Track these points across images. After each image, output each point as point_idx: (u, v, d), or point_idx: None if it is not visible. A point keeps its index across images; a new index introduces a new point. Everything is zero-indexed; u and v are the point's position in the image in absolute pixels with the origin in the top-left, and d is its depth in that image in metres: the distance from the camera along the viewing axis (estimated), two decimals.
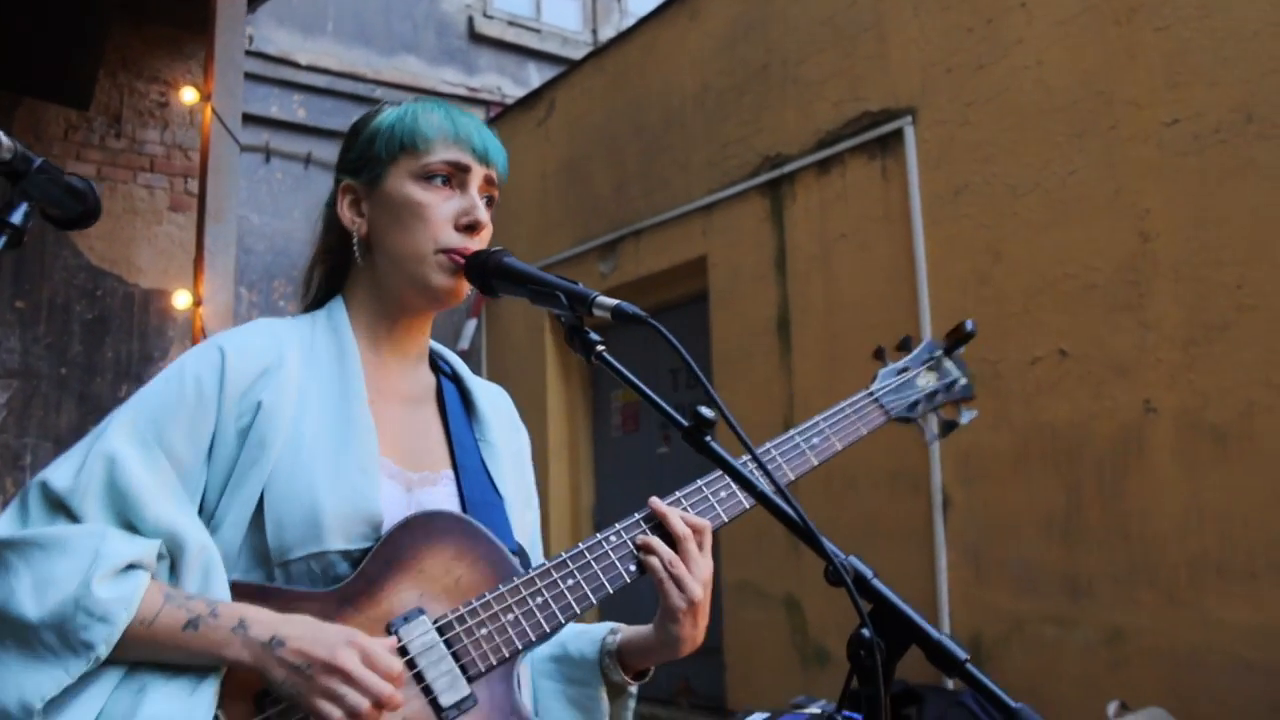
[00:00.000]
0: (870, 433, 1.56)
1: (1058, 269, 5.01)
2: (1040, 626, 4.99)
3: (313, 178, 8.42)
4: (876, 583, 0.97)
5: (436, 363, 1.48)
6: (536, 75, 9.87)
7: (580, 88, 8.40)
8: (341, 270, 1.42)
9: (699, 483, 1.39)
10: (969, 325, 1.64)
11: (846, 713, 1.01)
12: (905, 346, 1.66)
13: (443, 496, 1.32)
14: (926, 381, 1.64)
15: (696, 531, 1.34)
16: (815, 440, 1.51)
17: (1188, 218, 4.55)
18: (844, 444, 1.54)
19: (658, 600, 1.31)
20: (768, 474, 1.06)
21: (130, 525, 1.15)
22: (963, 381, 1.67)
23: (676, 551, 1.31)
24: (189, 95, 3.30)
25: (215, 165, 3.11)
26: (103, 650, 1.07)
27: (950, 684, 5.31)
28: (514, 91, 9.60)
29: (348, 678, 1.07)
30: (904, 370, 1.63)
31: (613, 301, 1.17)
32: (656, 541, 1.30)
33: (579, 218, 8.23)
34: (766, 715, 1.03)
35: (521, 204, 8.63)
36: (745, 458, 1.24)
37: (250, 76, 6.41)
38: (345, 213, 1.39)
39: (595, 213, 8.02)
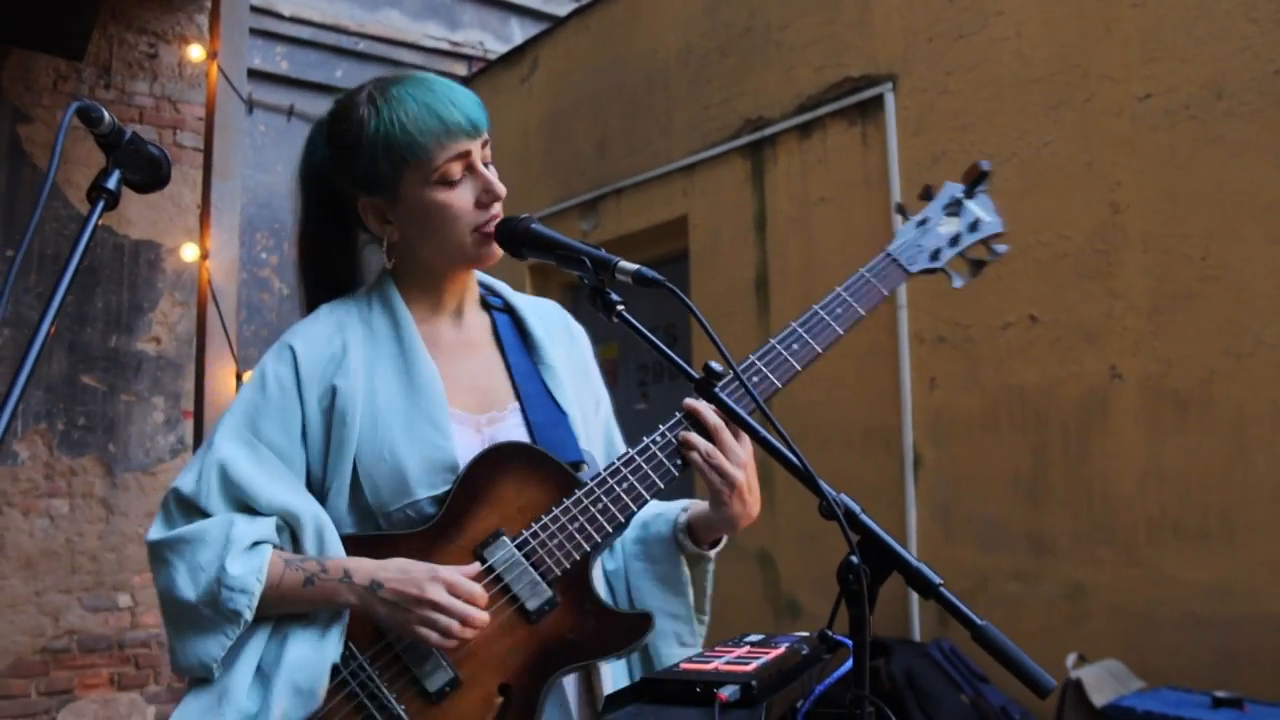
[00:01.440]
0: (891, 292, 1.57)
1: (1031, 237, 5.16)
2: (1005, 582, 5.19)
3: (295, 130, 8.43)
4: (864, 517, 1.09)
5: (487, 299, 1.61)
6: (519, 31, 9.88)
7: (564, 45, 8.43)
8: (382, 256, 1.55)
9: (760, 353, 1.53)
10: (984, 164, 1.63)
11: (831, 631, 1.14)
12: (926, 196, 1.65)
13: (511, 428, 1.48)
14: (948, 228, 1.63)
15: (721, 427, 1.46)
16: (838, 310, 1.56)
17: (1157, 190, 4.70)
18: (866, 309, 1.57)
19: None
20: (769, 416, 1.19)
21: (250, 510, 1.38)
22: (988, 218, 1.64)
23: (713, 442, 1.44)
24: (195, 52, 3.36)
25: (221, 123, 3.19)
26: (248, 615, 1.32)
27: (917, 637, 5.51)
28: (497, 47, 9.61)
29: (436, 606, 1.28)
30: (924, 221, 1.63)
31: (633, 266, 1.29)
32: (694, 436, 1.44)
33: (561, 175, 8.30)
34: (762, 636, 1.14)
35: (504, 161, 8.60)
36: (736, 381, 1.35)
37: None
38: (374, 225, 1.51)
39: (577, 170, 8.09)
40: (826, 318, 1.54)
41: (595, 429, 1.61)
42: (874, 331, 5.83)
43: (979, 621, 1.03)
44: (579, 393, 1.61)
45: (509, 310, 1.63)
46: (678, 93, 7.29)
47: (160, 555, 1.37)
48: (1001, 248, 1.67)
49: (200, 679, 1.34)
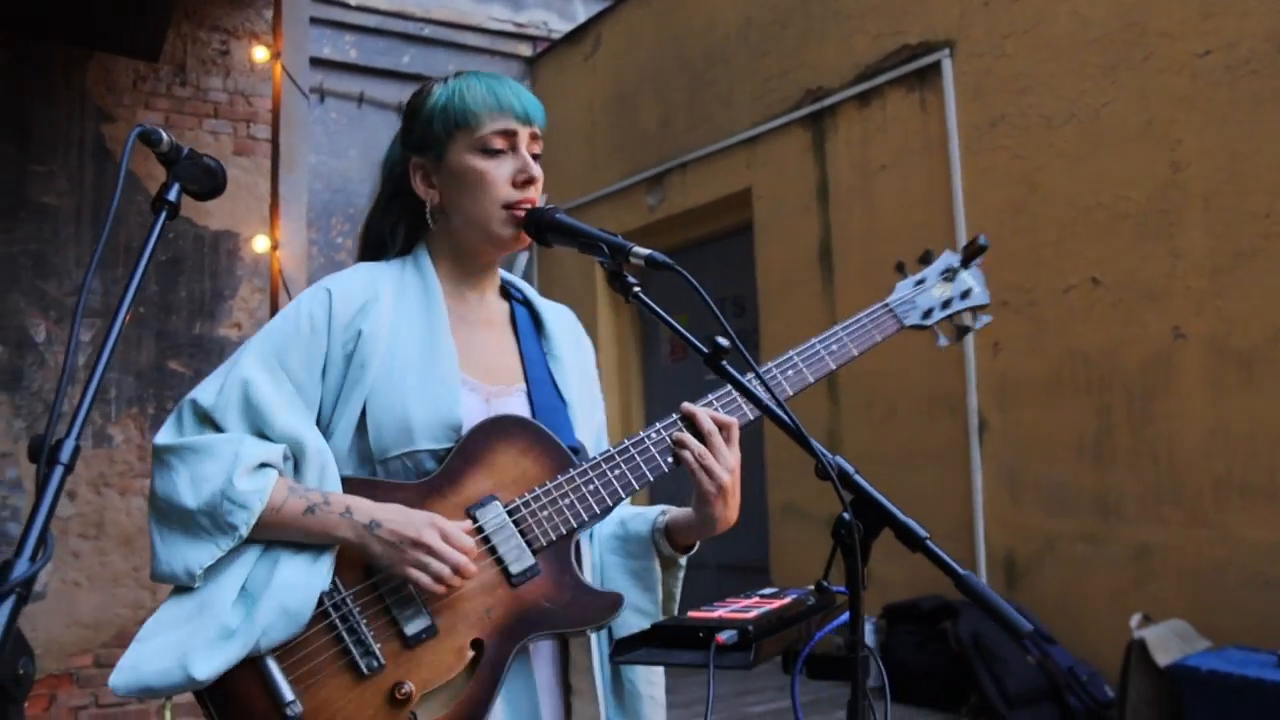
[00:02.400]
0: (885, 339, 1.70)
1: (1091, 199, 5.14)
2: (1071, 544, 5.20)
3: (366, 116, 8.65)
4: (857, 478, 1.18)
5: (509, 291, 1.73)
6: (583, 10, 9.96)
7: (626, 23, 8.51)
8: (418, 226, 1.66)
9: (729, 386, 1.60)
10: (982, 239, 1.75)
11: (827, 582, 1.23)
12: (926, 260, 1.79)
13: (515, 404, 1.57)
14: (941, 291, 1.76)
15: (723, 427, 1.55)
16: (834, 347, 1.67)
17: (1218, 148, 4.66)
18: (860, 350, 1.69)
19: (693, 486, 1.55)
20: (768, 388, 1.28)
21: (261, 434, 1.43)
22: (977, 290, 1.77)
23: (706, 445, 1.53)
24: (260, 54, 3.52)
25: (286, 119, 3.35)
26: (244, 530, 1.37)
27: None
28: (560, 27, 9.71)
29: (430, 550, 1.36)
30: (921, 282, 1.75)
31: (646, 251, 1.40)
32: (688, 436, 1.53)
33: (626, 151, 8.39)
34: (775, 590, 1.23)
35: (570, 138, 8.81)
36: (755, 375, 1.44)
37: None
38: (419, 186, 1.61)
39: (642, 146, 8.18)
40: (822, 352, 1.67)
41: (589, 428, 1.69)
42: None
43: (961, 571, 1.12)
44: (581, 390, 1.70)
45: (527, 304, 1.74)
46: (738, 66, 7.33)
47: (165, 459, 1.41)
48: (985, 319, 1.80)
49: (180, 588, 1.38)
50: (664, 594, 1.64)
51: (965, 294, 1.78)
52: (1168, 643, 4.42)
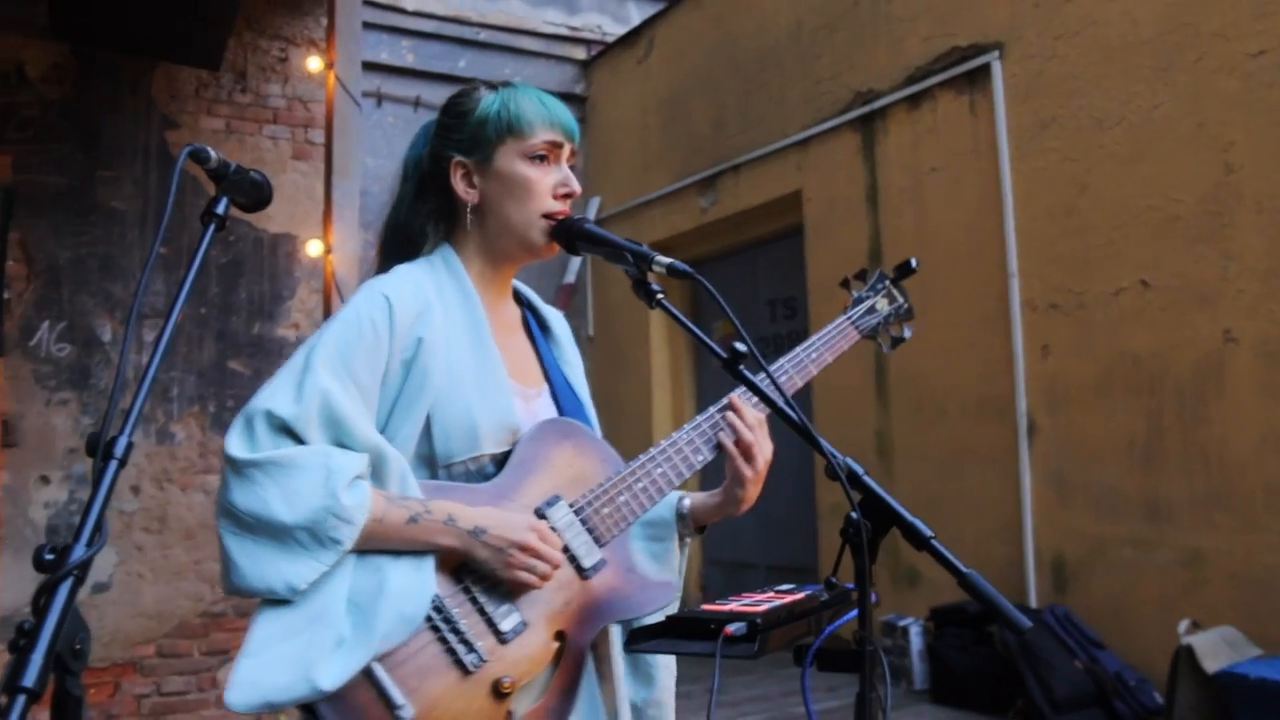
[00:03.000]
0: (849, 347, 1.88)
1: (1142, 201, 5.11)
2: (1121, 549, 5.17)
3: (422, 120, 8.73)
4: (866, 478, 1.23)
5: (517, 295, 1.80)
6: (636, 13, 10.03)
7: (679, 25, 8.57)
8: (446, 224, 1.71)
9: (777, 364, 1.80)
10: (913, 262, 1.94)
11: (835, 579, 1.28)
12: (862, 278, 1.96)
13: (546, 406, 1.67)
14: (882, 306, 1.93)
15: (761, 423, 1.67)
16: (813, 355, 1.81)
17: (1272, 149, 4.61)
18: (833, 357, 1.85)
19: (726, 470, 1.67)
20: (779, 389, 1.35)
21: (342, 444, 1.43)
22: (906, 305, 1.96)
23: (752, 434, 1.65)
24: (314, 64, 3.63)
25: (340, 126, 3.44)
26: (348, 545, 1.38)
27: (1033, 603, 5.53)
28: (614, 30, 9.79)
29: (534, 553, 1.44)
30: (865, 298, 1.93)
31: (667, 260, 1.46)
32: (740, 425, 1.64)
33: (679, 154, 8.45)
34: (792, 585, 1.29)
35: (623, 141, 8.89)
36: (768, 377, 1.51)
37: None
38: (459, 185, 1.66)
39: (695, 149, 8.23)
40: (806, 360, 1.81)
41: (596, 425, 1.76)
42: (986, 300, 5.85)
43: (964, 569, 1.16)
44: (587, 393, 1.79)
45: (533, 309, 1.81)
46: (789, 69, 7.36)
47: (247, 474, 1.38)
48: (909, 330, 1.99)
49: (274, 601, 1.37)
50: (677, 572, 1.74)
51: (899, 309, 1.96)
52: (1217, 649, 4.39)
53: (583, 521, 1.54)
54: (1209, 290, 4.84)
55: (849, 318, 1.89)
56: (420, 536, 1.43)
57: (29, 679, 0.85)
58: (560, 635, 1.49)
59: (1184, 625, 4.52)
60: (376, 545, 1.42)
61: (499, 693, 1.42)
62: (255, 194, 1.37)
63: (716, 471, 1.69)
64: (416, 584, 1.41)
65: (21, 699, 0.85)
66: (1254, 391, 4.67)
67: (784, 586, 1.39)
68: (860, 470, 1.24)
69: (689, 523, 1.74)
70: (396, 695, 1.36)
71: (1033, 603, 5.53)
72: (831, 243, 6.99)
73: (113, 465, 1.03)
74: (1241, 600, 4.68)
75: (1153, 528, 5.07)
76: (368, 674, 1.36)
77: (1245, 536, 4.69)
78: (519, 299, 1.80)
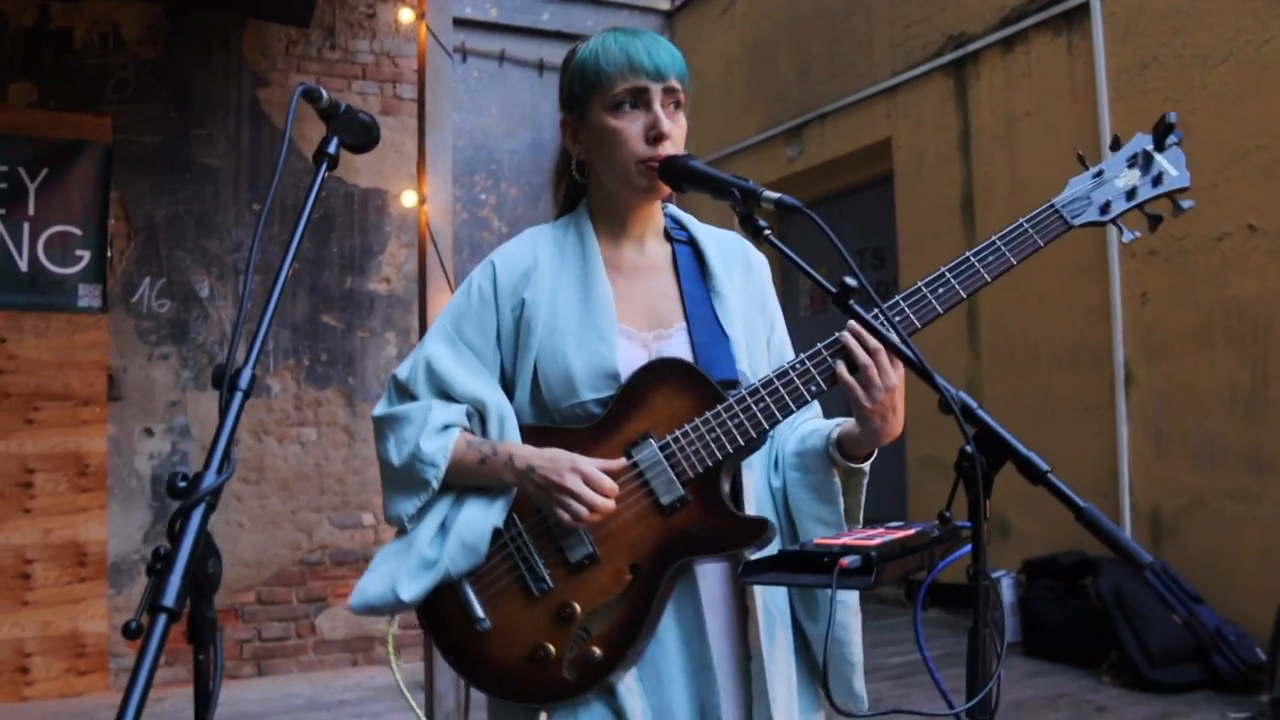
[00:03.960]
0: (1048, 243, 1.57)
1: (1249, 142, 4.92)
2: (1221, 502, 5.05)
3: (506, 74, 8.80)
4: (980, 412, 1.21)
5: (673, 232, 1.81)
6: None
7: None
8: (577, 182, 1.78)
9: (911, 289, 1.62)
10: (1171, 117, 1.57)
11: (949, 513, 1.26)
12: (1115, 146, 1.62)
13: (676, 345, 1.66)
14: (1126, 180, 1.59)
15: (878, 349, 1.54)
16: (990, 258, 1.59)
17: None
18: (1019, 258, 1.59)
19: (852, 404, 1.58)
20: (894, 326, 1.32)
21: (448, 397, 1.67)
22: (1174, 173, 1.58)
23: (874, 361, 1.53)
24: (406, 16, 3.65)
25: (432, 77, 3.45)
26: (435, 484, 1.62)
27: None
28: None
29: (570, 492, 1.53)
30: (1100, 173, 1.60)
31: (776, 195, 1.44)
32: (858, 351, 1.54)
33: (764, 103, 8.35)
34: (902, 523, 1.26)
35: (708, 92, 8.81)
36: (880, 312, 1.45)
37: None
38: (569, 143, 1.74)
39: (780, 98, 8.13)
40: (977, 265, 1.59)
41: (761, 355, 1.75)
42: (1083, 247, 5.70)
43: (1082, 504, 1.13)
44: (749, 320, 1.75)
45: (691, 243, 1.80)
46: (877, 13, 7.22)
47: (378, 429, 1.69)
48: (1187, 203, 1.60)
49: (400, 530, 1.66)
50: (850, 502, 1.68)
51: (1158, 179, 1.61)
52: None
53: (668, 458, 1.57)
54: None
55: (1051, 205, 1.60)
56: (489, 475, 1.62)
57: (168, 599, 0.88)
58: (634, 568, 1.56)
59: None
60: (464, 481, 1.64)
61: (562, 617, 1.56)
62: (364, 135, 1.39)
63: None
64: (481, 517, 1.61)
65: (163, 618, 0.87)
66: None
67: (894, 523, 1.36)
68: (974, 404, 1.22)
69: (842, 452, 1.65)
70: (477, 609, 1.59)
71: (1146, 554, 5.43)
72: (921, 191, 6.87)
73: (238, 396, 1.05)
74: None
75: (1255, 480, 4.93)
76: (456, 589, 1.60)
77: None
78: (673, 236, 1.80)
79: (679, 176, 1.57)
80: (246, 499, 5.71)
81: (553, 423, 1.66)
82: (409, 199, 3.48)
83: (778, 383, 1.57)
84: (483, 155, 8.59)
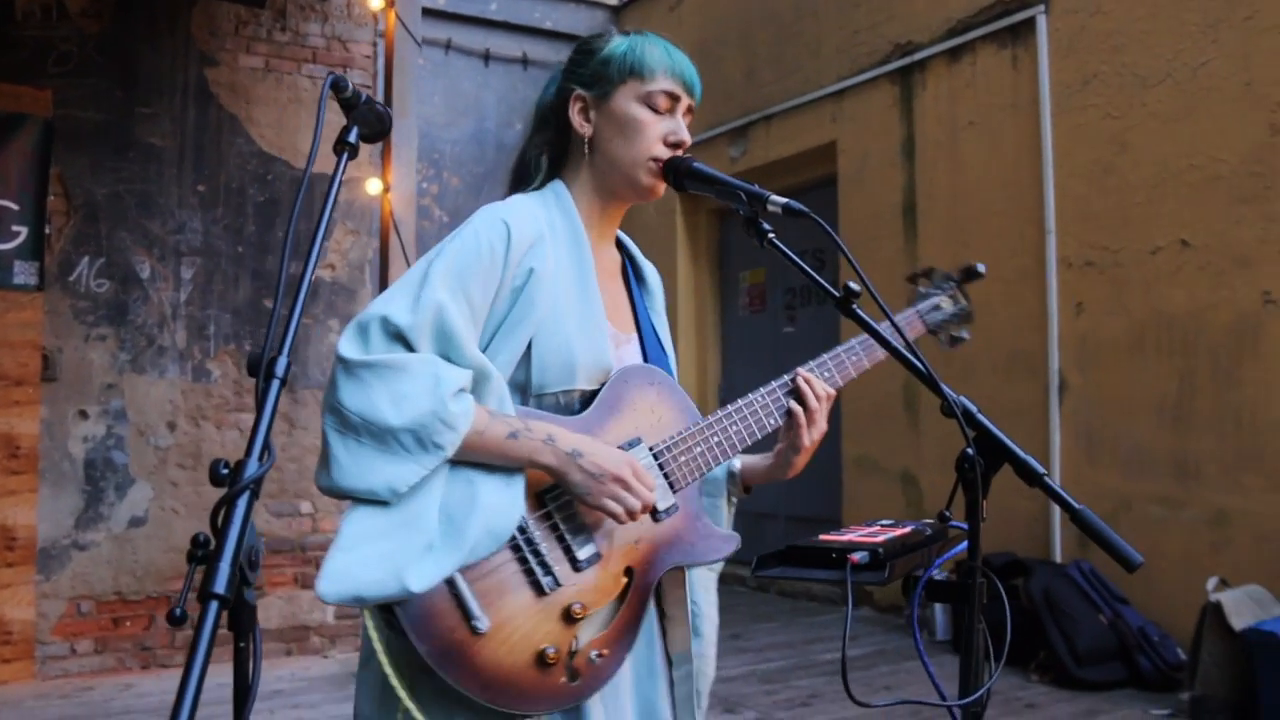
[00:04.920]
0: (913, 339, 1.91)
1: (1183, 160, 5.09)
2: (1147, 506, 5.22)
3: (453, 62, 8.74)
4: (980, 416, 1.27)
5: (619, 243, 1.84)
6: None
7: None
8: (560, 158, 1.75)
9: (834, 353, 1.81)
10: (980, 268, 2.00)
11: (948, 513, 1.32)
12: (929, 275, 2.03)
13: (634, 353, 1.70)
14: (946, 305, 2.01)
15: (830, 398, 1.74)
16: (890, 332, 1.80)
17: None
18: (898, 344, 1.82)
19: (782, 436, 1.74)
20: (900, 333, 1.38)
21: (448, 358, 1.46)
22: (967, 308, 2.05)
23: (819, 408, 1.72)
24: (375, 2, 3.62)
25: (399, 65, 3.45)
26: (449, 451, 1.41)
27: (1057, 558, 5.59)
28: None
29: (628, 486, 1.47)
30: (931, 295, 2.00)
31: (783, 200, 1.49)
32: (809, 397, 1.70)
33: (710, 102, 8.40)
34: (892, 520, 1.32)
35: None
36: (889, 321, 1.54)
37: None
38: (575, 118, 1.70)
39: (726, 97, 8.19)
40: (870, 343, 1.80)
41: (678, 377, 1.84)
42: (1021, 256, 5.86)
43: (1076, 505, 1.20)
44: (671, 346, 1.84)
45: (630, 257, 1.85)
46: (826, 18, 7.31)
47: (357, 374, 1.40)
48: (967, 333, 2.05)
49: (369, 501, 1.40)
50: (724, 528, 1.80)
51: (960, 311, 2.03)
52: (1244, 607, 4.44)
53: (660, 465, 1.59)
54: (1248, 252, 4.84)
55: (917, 311, 1.96)
56: (518, 452, 1.46)
57: (219, 585, 0.89)
58: (629, 571, 1.54)
59: (1213, 582, 4.57)
60: (473, 457, 1.45)
61: (569, 618, 1.46)
62: (378, 125, 1.40)
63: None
64: (507, 501, 1.45)
65: (214, 605, 0.88)
66: None
67: (885, 521, 1.42)
68: (974, 408, 1.27)
69: (738, 482, 1.81)
70: (475, 607, 1.40)
71: (1058, 558, 5.59)
72: (864, 195, 6.98)
73: (275, 385, 1.06)
74: (1266, 560, 4.73)
75: (1180, 487, 5.11)
76: (450, 584, 1.40)
77: (1273, 497, 4.73)
78: (620, 247, 1.83)
79: (683, 176, 1.61)
80: (182, 485, 5.62)
81: (524, 405, 1.57)
82: (374, 186, 3.46)
83: (745, 410, 1.68)
84: (425, 144, 8.53)
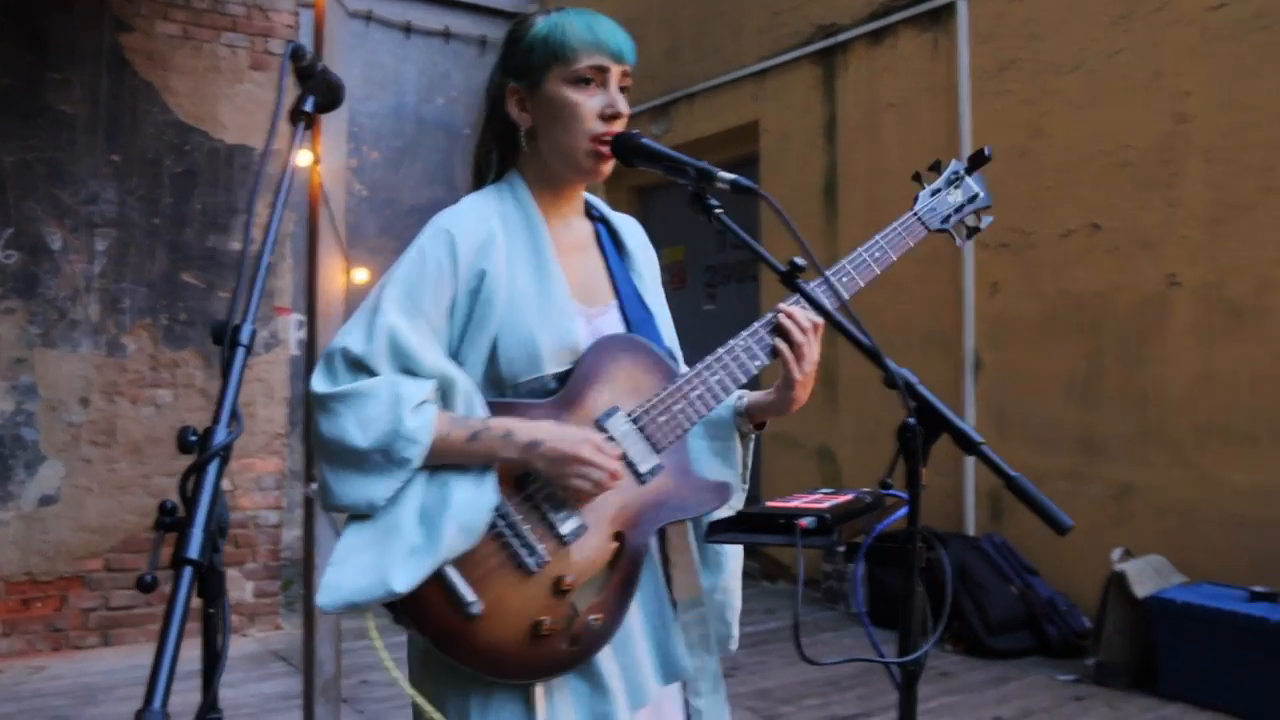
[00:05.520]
0: (916, 244, 1.87)
1: (1094, 146, 5.26)
2: (1056, 482, 5.39)
3: (373, 34, 8.61)
4: (920, 387, 1.32)
5: (590, 210, 1.87)
6: None
7: None
8: (510, 151, 1.78)
9: (853, 255, 1.81)
10: (987, 150, 1.92)
11: (890, 480, 1.38)
12: (936, 169, 1.95)
13: (612, 322, 1.74)
14: (954, 198, 1.92)
15: (816, 327, 1.73)
16: (876, 254, 1.82)
17: (1223, 101, 4.77)
18: (897, 254, 1.85)
19: (781, 371, 1.74)
20: (846, 305, 1.42)
21: (410, 373, 1.57)
22: (982, 194, 1.96)
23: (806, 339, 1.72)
24: None
25: (329, 36, 3.40)
26: (416, 463, 1.52)
27: (970, 531, 5.75)
28: None
29: (589, 463, 1.53)
30: (936, 191, 1.91)
31: (731, 176, 1.52)
32: (794, 328, 1.70)
33: (633, 80, 8.35)
34: (833, 489, 1.38)
35: None
36: (818, 281, 1.58)
37: None
38: (513, 110, 1.73)
39: (649, 75, 8.19)
40: (868, 259, 1.81)
41: (671, 330, 1.86)
42: (935, 239, 5.97)
43: (1012, 474, 1.26)
44: (657, 299, 1.86)
45: (604, 221, 1.87)
46: None
47: (328, 406, 1.54)
48: (988, 220, 1.97)
49: (358, 516, 1.54)
50: (741, 467, 1.85)
51: (972, 198, 1.95)
52: (1145, 576, 4.63)
53: (640, 429, 1.63)
54: (1154, 235, 5.02)
55: (914, 213, 1.90)
56: (481, 451, 1.55)
57: (193, 551, 0.90)
58: (619, 536, 1.59)
59: (1117, 553, 4.75)
60: (443, 461, 1.55)
61: (560, 590, 1.54)
62: (331, 95, 1.41)
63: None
64: (477, 497, 1.54)
65: (188, 570, 0.90)
66: (1192, 335, 4.87)
67: (825, 490, 1.48)
68: (915, 380, 1.33)
69: (747, 419, 1.83)
70: (466, 593, 1.51)
71: (970, 531, 5.76)
72: (786, 174, 7.06)
73: (240, 352, 1.07)
74: (1167, 531, 4.93)
75: (1086, 462, 5.29)
76: (440, 576, 1.51)
77: (1174, 472, 4.92)
78: (591, 214, 1.85)
79: (631, 153, 1.63)
80: (95, 462, 5.50)
81: (504, 396, 1.65)
82: (303, 159, 3.43)
83: (727, 357, 1.68)
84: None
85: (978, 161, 1.93)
